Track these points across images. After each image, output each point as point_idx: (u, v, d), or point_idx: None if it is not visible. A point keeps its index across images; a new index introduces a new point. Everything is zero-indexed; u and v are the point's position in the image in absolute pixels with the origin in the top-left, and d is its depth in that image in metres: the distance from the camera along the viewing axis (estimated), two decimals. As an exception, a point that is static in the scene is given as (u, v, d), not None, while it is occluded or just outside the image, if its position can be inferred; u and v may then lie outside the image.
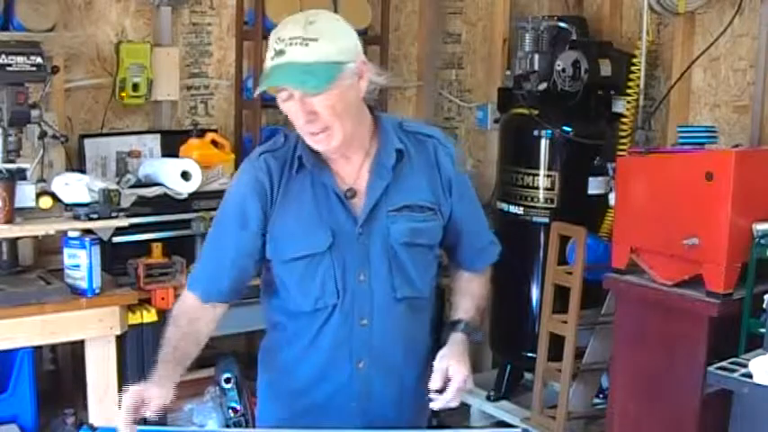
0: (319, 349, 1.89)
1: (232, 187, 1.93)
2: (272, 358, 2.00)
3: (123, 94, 3.53)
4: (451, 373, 1.80)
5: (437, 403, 1.81)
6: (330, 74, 1.72)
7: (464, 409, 4.11)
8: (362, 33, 3.80)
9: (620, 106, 3.78)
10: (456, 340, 1.90)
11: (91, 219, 3.00)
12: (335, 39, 1.75)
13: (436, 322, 2.06)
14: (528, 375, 4.04)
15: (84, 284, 2.98)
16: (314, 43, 1.71)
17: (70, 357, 3.39)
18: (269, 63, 1.75)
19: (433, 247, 1.96)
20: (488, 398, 4.02)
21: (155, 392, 1.70)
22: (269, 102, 3.75)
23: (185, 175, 3.35)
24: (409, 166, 1.90)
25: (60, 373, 3.47)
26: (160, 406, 1.70)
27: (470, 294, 2.03)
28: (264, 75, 1.76)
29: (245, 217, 1.86)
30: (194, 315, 1.88)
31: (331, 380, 1.90)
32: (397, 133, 1.92)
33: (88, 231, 3.01)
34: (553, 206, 3.77)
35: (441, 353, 1.85)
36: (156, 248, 3.23)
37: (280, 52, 1.72)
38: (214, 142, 3.62)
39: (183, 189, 3.35)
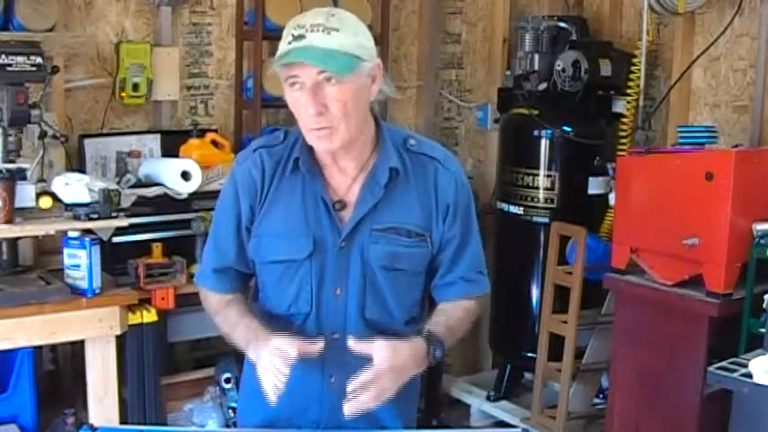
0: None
1: (227, 182, 1.91)
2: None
3: (123, 94, 3.53)
4: (376, 356, 1.68)
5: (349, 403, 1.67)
6: (349, 64, 1.70)
7: (464, 409, 4.11)
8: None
9: (620, 106, 3.78)
10: (411, 339, 1.77)
11: (91, 219, 2.99)
12: (356, 33, 1.74)
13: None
14: (528, 375, 4.04)
15: (84, 284, 2.97)
16: (335, 32, 1.69)
17: (70, 357, 3.39)
18: (285, 47, 1.71)
19: (417, 274, 1.88)
20: (488, 398, 4.02)
21: (281, 340, 1.71)
22: (269, 102, 3.81)
23: (185, 175, 3.35)
24: (405, 187, 1.84)
25: (60, 373, 3.47)
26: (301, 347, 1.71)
27: (445, 312, 1.90)
28: (281, 54, 1.71)
29: (239, 213, 1.86)
30: (225, 302, 1.92)
31: (302, 392, 1.84)
32: (399, 150, 1.85)
33: (88, 231, 3.01)
34: (553, 206, 3.77)
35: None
36: (156, 248, 3.23)
37: (299, 37, 1.69)
38: (214, 142, 3.62)
39: (183, 189, 3.35)
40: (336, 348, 1.81)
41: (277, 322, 1.86)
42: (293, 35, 1.70)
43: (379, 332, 1.81)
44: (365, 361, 1.76)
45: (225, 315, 1.90)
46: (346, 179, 1.84)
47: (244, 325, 1.84)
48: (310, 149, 1.82)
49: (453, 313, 1.90)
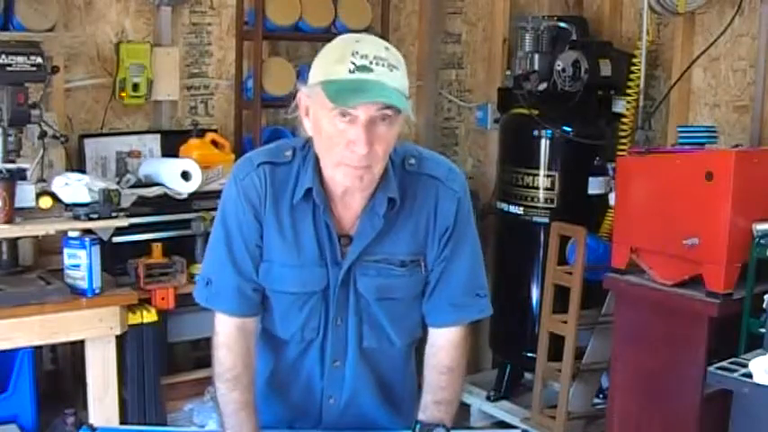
0: (292, 381, 1.87)
1: (229, 198, 1.78)
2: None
3: (123, 94, 3.53)
4: None
5: None
6: (405, 107, 1.62)
7: (464, 409, 4.11)
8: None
9: (620, 106, 3.78)
10: None
11: (91, 219, 3.00)
12: (406, 75, 1.67)
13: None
14: (528, 375, 4.04)
15: (84, 284, 2.98)
16: (397, 71, 1.62)
17: (70, 357, 3.39)
18: (347, 75, 1.58)
19: (413, 298, 1.83)
20: (488, 398, 4.02)
21: None
22: (269, 102, 3.81)
23: (185, 175, 3.35)
24: (403, 214, 1.76)
25: (60, 373, 3.47)
26: None
27: (430, 386, 1.84)
28: (349, 86, 1.58)
29: (244, 228, 1.77)
30: (237, 338, 1.86)
31: (301, 407, 1.87)
32: (398, 173, 1.76)
33: (88, 231, 3.01)
34: (553, 206, 3.77)
35: None
36: (156, 248, 3.23)
37: (364, 68, 1.58)
38: (214, 142, 3.62)
39: (183, 189, 3.35)
40: (337, 374, 1.85)
41: (279, 348, 1.87)
42: (355, 64, 1.58)
43: (380, 358, 1.85)
44: (363, 389, 1.86)
45: (230, 415, 1.89)
46: (351, 213, 1.77)
47: (242, 413, 1.84)
48: (322, 178, 1.73)
49: (436, 384, 1.84)
